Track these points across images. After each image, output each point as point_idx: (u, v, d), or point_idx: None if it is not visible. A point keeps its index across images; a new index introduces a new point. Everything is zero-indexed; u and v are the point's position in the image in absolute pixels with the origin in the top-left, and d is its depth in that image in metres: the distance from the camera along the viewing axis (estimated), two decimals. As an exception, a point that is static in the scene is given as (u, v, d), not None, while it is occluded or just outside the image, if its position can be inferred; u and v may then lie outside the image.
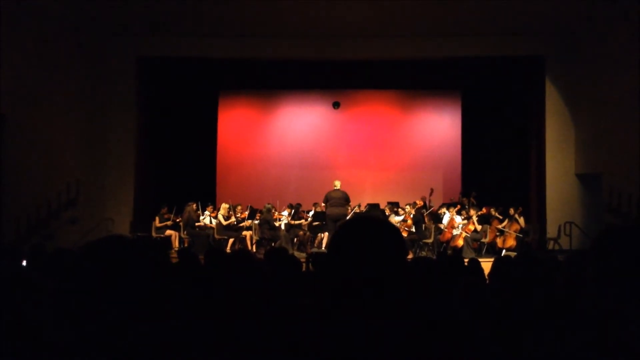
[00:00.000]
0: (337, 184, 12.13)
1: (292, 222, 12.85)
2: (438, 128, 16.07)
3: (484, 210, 12.81)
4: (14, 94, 9.80)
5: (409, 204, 12.90)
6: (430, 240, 12.28)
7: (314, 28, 12.59)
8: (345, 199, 12.01)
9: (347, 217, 12.09)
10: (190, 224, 12.59)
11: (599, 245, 1.47)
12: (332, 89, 15.81)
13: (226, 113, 16.11)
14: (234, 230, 12.80)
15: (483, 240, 12.34)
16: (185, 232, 12.62)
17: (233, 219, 12.89)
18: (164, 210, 12.84)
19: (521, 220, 12.32)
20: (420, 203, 13.15)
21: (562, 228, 12.60)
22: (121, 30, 12.89)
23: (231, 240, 12.64)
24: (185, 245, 12.43)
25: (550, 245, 12.69)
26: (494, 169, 14.69)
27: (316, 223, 12.88)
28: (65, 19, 11.51)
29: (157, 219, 12.76)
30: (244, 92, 16.18)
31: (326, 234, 12.58)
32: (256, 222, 12.88)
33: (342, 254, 1.40)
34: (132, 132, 13.30)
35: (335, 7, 11.46)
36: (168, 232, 12.75)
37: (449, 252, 11.59)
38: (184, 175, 14.51)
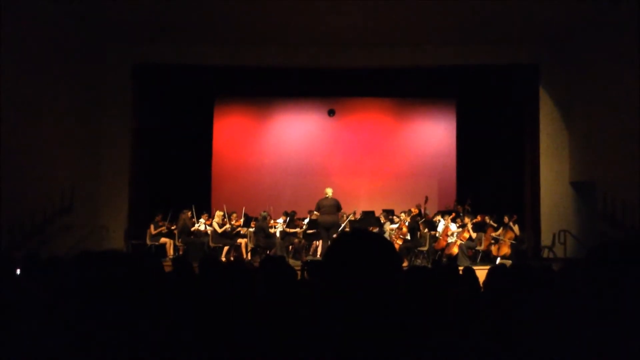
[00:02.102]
0: (329, 192, 12.11)
1: (288, 229, 12.84)
2: (433, 136, 16.13)
3: (479, 218, 12.83)
4: (9, 100, 9.78)
5: (404, 212, 12.92)
6: (425, 248, 12.29)
7: (310, 36, 12.63)
8: (336, 207, 12.01)
9: (341, 225, 12.11)
10: (185, 231, 12.56)
11: (594, 258, 1.48)
12: (328, 96, 15.84)
13: (221, 120, 16.12)
14: (229, 238, 12.78)
15: (478, 248, 12.35)
16: (180, 240, 12.59)
17: (228, 226, 12.88)
18: (159, 217, 12.82)
19: (516, 228, 12.34)
20: (415, 211, 13.17)
21: (556, 236, 12.63)
22: (117, 38, 12.89)
23: (226, 248, 12.62)
24: (180, 253, 12.40)
25: (545, 253, 12.71)
26: (488, 176, 14.73)
27: (311, 231, 12.87)
28: (61, 26, 11.51)
29: (151, 226, 12.73)
30: (240, 99, 16.20)
31: (321, 241, 12.57)
32: (251, 229, 12.87)
33: (337, 267, 1.41)
34: (127, 139, 13.27)
35: (330, 16, 11.49)
36: (163, 239, 12.72)
37: (444, 260, 11.60)
38: (179, 182, 14.49)
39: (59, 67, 11.61)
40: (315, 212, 12.41)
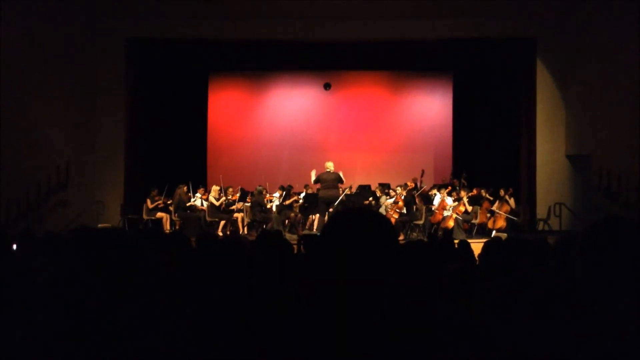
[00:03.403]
0: (330, 166, 11.99)
1: (285, 203, 12.83)
2: (429, 109, 16.08)
3: (475, 191, 12.86)
4: (1, 76, 9.69)
5: (400, 186, 12.92)
6: (421, 222, 12.32)
7: (305, 9, 12.49)
8: (338, 180, 11.94)
9: (339, 199, 12.08)
10: (181, 206, 12.56)
11: (595, 233, 1.48)
12: (323, 70, 15.74)
13: (217, 95, 16.03)
14: (225, 212, 12.79)
15: (473, 221, 12.40)
16: (176, 215, 12.59)
17: (224, 201, 12.87)
18: (154, 192, 12.79)
19: (511, 201, 12.38)
20: (411, 184, 13.17)
21: (552, 209, 12.69)
22: (110, 12, 12.73)
23: (222, 222, 12.63)
24: (177, 227, 12.41)
25: (540, 226, 12.78)
26: (484, 150, 14.73)
27: (307, 204, 12.86)
28: (53, 2, 11.35)
29: (147, 201, 12.72)
30: (235, 73, 16.09)
31: (317, 215, 12.58)
32: (247, 204, 12.87)
33: (334, 242, 1.41)
34: (122, 114, 13.21)
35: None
36: (159, 214, 12.72)
37: (440, 233, 11.65)
38: (175, 157, 14.47)
39: (52, 42, 11.48)
40: (312, 184, 12.36)
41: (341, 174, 12.03)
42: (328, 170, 11.93)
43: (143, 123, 13.98)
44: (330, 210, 11.75)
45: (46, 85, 11.31)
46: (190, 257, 3.27)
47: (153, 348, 1.58)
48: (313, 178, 12.08)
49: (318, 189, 12.18)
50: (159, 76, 14.37)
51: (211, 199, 12.68)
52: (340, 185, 12.26)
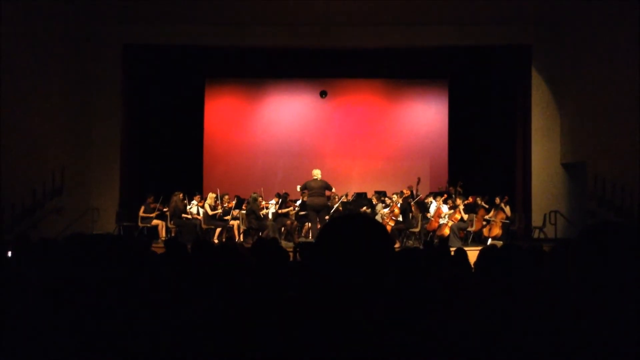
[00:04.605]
0: (317, 174, 11.97)
1: (280, 211, 12.81)
2: (425, 117, 16.11)
3: (471, 199, 12.88)
4: (-3, 82, 9.68)
5: (396, 194, 12.91)
6: (417, 230, 12.33)
7: (301, 16, 12.54)
8: (325, 189, 11.92)
9: (333, 207, 12.08)
10: (177, 213, 12.52)
11: (585, 239, 1.49)
12: (319, 77, 15.77)
13: (213, 101, 16.03)
14: (221, 220, 12.77)
15: (469, 229, 12.42)
16: (172, 222, 12.56)
17: (220, 208, 12.86)
18: (150, 199, 12.74)
19: (507, 209, 12.40)
20: (407, 192, 13.19)
21: (547, 217, 12.71)
22: (107, 18, 12.75)
23: (218, 230, 12.61)
24: (173, 235, 12.37)
25: (536, 234, 12.79)
26: (480, 157, 14.75)
27: (303, 212, 12.86)
28: (51, 6, 11.37)
29: (142, 208, 12.67)
30: (231, 80, 16.10)
31: (311, 224, 12.55)
32: (243, 211, 12.85)
33: (329, 249, 1.41)
34: (118, 121, 13.19)
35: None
36: (155, 222, 12.67)
37: (436, 241, 11.65)
38: (171, 164, 14.44)
39: (49, 48, 11.48)
40: (303, 192, 12.34)
41: (335, 192, 12.04)
42: (315, 178, 11.91)
43: (139, 129, 13.97)
44: (327, 218, 11.74)
45: (42, 91, 11.29)
46: (186, 263, 3.27)
47: (148, 352, 1.58)
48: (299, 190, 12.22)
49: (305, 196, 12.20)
50: (156, 83, 14.38)
51: (206, 207, 12.65)
52: (330, 192, 12.26)
